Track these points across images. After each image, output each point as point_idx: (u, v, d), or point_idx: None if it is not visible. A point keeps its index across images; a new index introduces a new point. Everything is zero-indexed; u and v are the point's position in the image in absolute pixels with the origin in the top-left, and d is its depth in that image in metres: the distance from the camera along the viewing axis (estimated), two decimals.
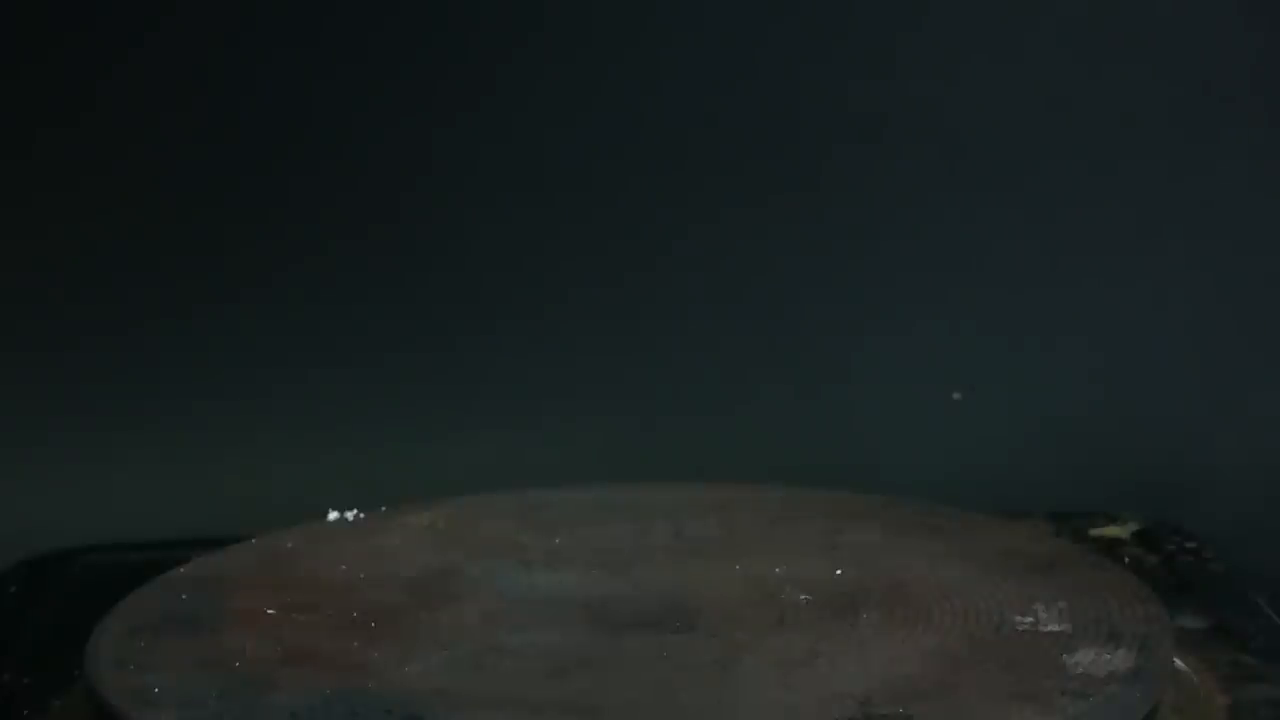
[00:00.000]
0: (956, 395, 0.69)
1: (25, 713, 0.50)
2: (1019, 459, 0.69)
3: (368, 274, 0.69)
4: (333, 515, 0.57)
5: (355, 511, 0.57)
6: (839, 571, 0.51)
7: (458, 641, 0.47)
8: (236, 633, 0.48)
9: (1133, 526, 0.61)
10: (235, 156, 0.68)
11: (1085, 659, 0.44)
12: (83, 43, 0.67)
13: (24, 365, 0.69)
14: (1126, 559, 0.58)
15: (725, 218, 0.69)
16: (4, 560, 0.62)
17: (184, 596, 0.51)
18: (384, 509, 0.57)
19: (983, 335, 0.69)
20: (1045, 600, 0.48)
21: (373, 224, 0.69)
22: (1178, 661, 0.48)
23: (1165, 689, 0.46)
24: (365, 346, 0.70)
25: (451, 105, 0.68)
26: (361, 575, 0.52)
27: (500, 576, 0.52)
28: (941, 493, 0.57)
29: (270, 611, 0.49)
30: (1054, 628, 0.46)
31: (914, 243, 0.69)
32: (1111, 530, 0.61)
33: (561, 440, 0.70)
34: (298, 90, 0.68)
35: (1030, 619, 0.47)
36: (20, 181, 0.68)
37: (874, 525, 0.54)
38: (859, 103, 0.68)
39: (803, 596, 0.49)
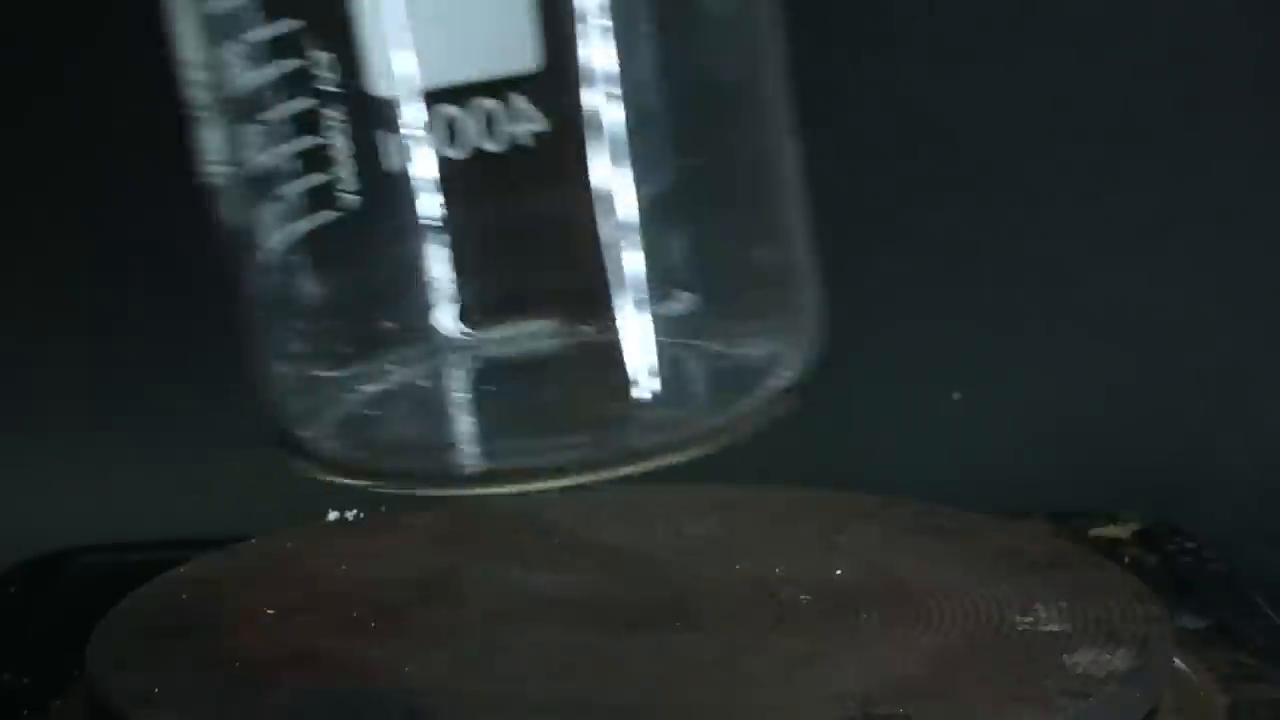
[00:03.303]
0: (956, 395, 0.69)
1: (25, 713, 0.50)
2: (1019, 459, 0.69)
3: None
4: (333, 515, 0.57)
5: (355, 511, 0.57)
6: (839, 571, 0.51)
7: (458, 641, 0.47)
8: (236, 633, 0.48)
9: (1133, 526, 0.61)
10: None
11: (1085, 659, 0.44)
12: (77, 41, 0.67)
13: (23, 364, 0.69)
14: (1126, 559, 0.58)
15: None
16: (4, 560, 0.62)
17: (184, 596, 0.51)
18: (384, 509, 0.57)
19: (983, 335, 0.69)
20: (1045, 600, 0.48)
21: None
22: (1178, 661, 0.48)
23: (1165, 689, 0.46)
24: None
25: None
26: (361, 575, 0.52)
27: (500, 576, 0.52)
28: (941, 493, 0.57)
29: (270, 611, 0.49)
30: (1054, 628, 0.46)
31: (914, 242, 0.68)
32: (1111, 530, 0.61)
33: None
34: None
35: (1030, 619, 0.47)
36: (17, 179, 0.68)
37: (874, 525, 0.54)
38: (859, 102, 0.68)
39: (803, 596, 0.49)
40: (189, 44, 0.42)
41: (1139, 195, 0.68)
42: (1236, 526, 0.64)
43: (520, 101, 0.39)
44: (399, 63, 0.39)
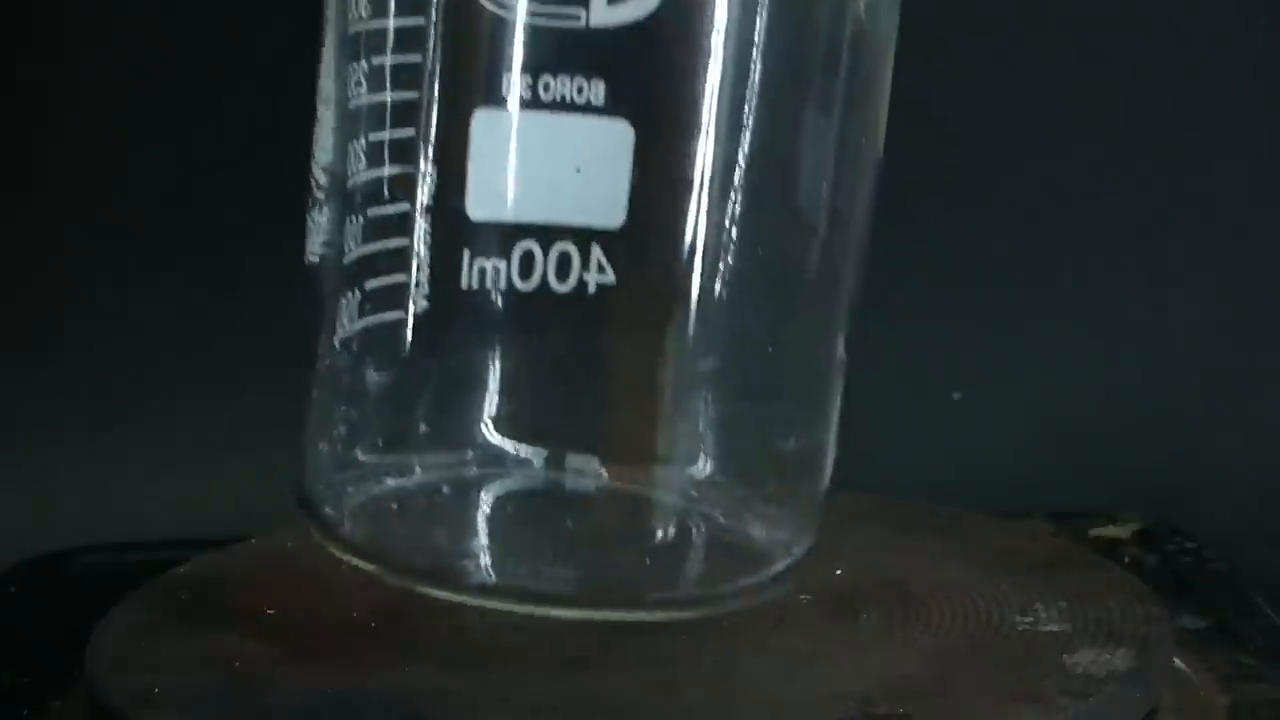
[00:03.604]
0: (956, 395, 0.69)
1: (25, 713, 0.50)
2: (1019, 459, 0.69)
3: None
4: None
5: None
6: (839, 571, 0.51)
7: (458, 641, 0.47)
8: (236, 633, 0.47)
9: (1133, 526, 0.61)
10: (226, 151, 0.68)
11: (1085, 659, 0.44)
12: (78, 41, 0.67)
13: (23, 364, 0.69)
14: (1126, 559, 0.58)
15: None
16: (4, 560, 0.62)
17: (184, 596, 0.51)
18: None
19: (983, 335, 0.69)
20: (1045, 600, 0.48)
21: None
22: (1178, 661, 0.48)
23: (1165, 689, 0.46)
24: None
25: None
26: (361, 575, 0.52)
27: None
28: (941, 493, 0.57)
29: (270, 611, 0.49)
30: (1054, 628, 0.46)
31: (913, 242, 0.68)
32: (1111, 530, 0.61)
33: None
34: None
35: (1030, 619, 0.47)
36: (18, 178, 0.68)
37: (874, 525, 0.54)
38: None
39: (803, 596, 0.49)
40: (326, 133, 0.44)
41: (1139, 195, 0.68)
42: (1236, 526, 0.64)
43: (597, 253, 0.41)
44: (494, 191, 0.41)
